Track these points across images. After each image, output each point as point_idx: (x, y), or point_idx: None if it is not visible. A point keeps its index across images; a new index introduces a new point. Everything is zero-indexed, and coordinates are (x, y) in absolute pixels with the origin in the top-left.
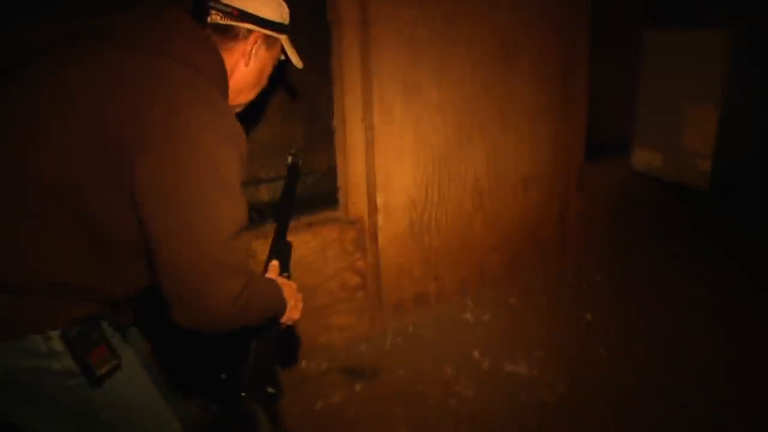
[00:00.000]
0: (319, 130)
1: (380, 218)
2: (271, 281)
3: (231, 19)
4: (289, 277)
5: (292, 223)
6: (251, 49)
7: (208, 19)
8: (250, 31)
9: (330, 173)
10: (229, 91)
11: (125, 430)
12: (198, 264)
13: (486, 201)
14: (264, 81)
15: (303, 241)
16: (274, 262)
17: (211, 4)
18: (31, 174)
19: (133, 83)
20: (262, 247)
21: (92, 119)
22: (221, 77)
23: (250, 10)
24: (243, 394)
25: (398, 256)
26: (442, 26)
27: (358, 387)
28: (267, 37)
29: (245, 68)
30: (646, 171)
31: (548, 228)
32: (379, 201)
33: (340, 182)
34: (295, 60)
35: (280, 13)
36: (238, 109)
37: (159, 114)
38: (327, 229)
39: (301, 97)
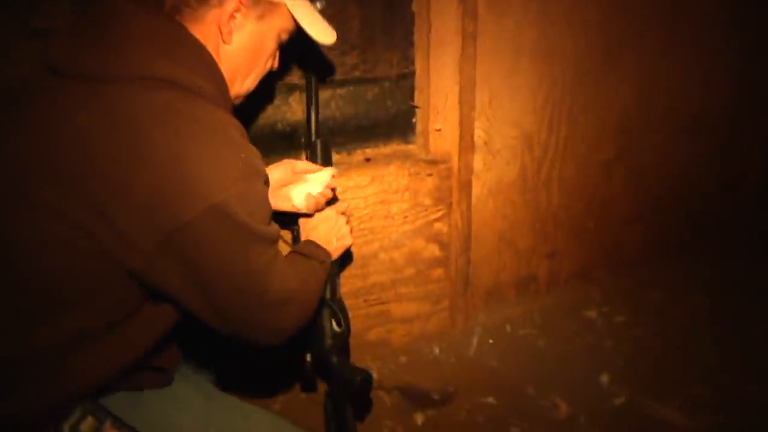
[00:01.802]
0: (389, 15)
1: (478, 160)
2: (303, 262)
3: None
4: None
5: (339, 157)
6: (228, 20)
7: None
8: None
9: (403, 84)
10: None
11: None
12: (250, 318)
13: (634, 147)
14: (266, 63)
15: (355, 185)
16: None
17: None
18: None
19: (105, 136)
20: None
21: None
22: (214, 78)
23: None
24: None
25: (499, 219)
26: None
27: (419, 419)
28: (253, 2)
29: (228, 47)
30: None
31: (715, 197)
32: (478, 133)
33: (418, 99)
34: (316, 32)
35: None
36: (236, 101)
37: (153, 180)
38: (393, 169)
39: None
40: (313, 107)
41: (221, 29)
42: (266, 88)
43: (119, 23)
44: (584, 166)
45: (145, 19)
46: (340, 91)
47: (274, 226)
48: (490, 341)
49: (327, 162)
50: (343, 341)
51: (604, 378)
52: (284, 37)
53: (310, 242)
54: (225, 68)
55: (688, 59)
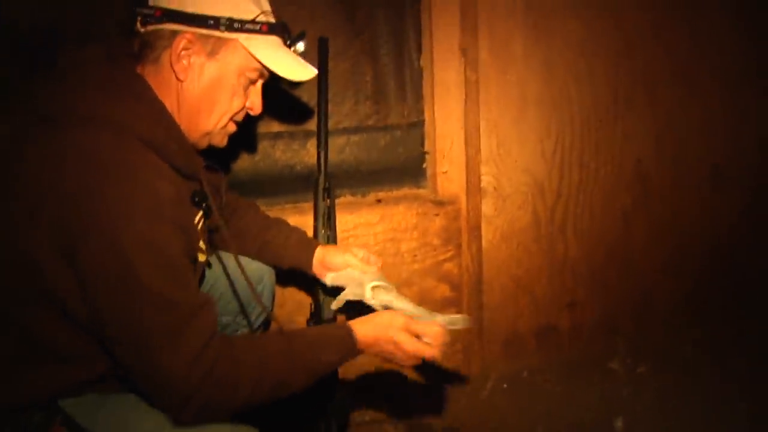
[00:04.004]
0: (400, 69)
1: (488, 204)
2: (284, 352)
3: (153, 23)
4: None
5: (352, 198)
6: (178, 58)
7: (136, 28)
8: (175, 33)
9: (414, 132)
10: (180, 117)
11: None
12: (145, 382)
13: (653, 195)
14: (231, 101)
15: (366, 222)
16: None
17: (137, 9)
18: None
19: (39, 169)
20: None
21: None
22: (157, 118)
23: (173, 6)
24: None
25: (514, 265)
26: None
27: None
28: (202, 39)
29: (185, 84)
30: None
31: (748, 250)
32: (487, 179)
33: (427, 145)
34: (283, 68)
35: (231, 5)
36: (215, 141)
37: (57, 209)
38: (401, 209)
39: (378, 17)
40: (321, 149)
41: (173, 67)
42: (286, 135)
43: (81, 71)
44: (601, 214)
45: (101, 67)
46: (354, 137)
47: (192, 296)
48: (505, 386)
49: (329, 197)
50: None
51: (618, 423)
52: (252, 75)
53: (344, 332)
54: (185, 105)
55: (707, 108)
